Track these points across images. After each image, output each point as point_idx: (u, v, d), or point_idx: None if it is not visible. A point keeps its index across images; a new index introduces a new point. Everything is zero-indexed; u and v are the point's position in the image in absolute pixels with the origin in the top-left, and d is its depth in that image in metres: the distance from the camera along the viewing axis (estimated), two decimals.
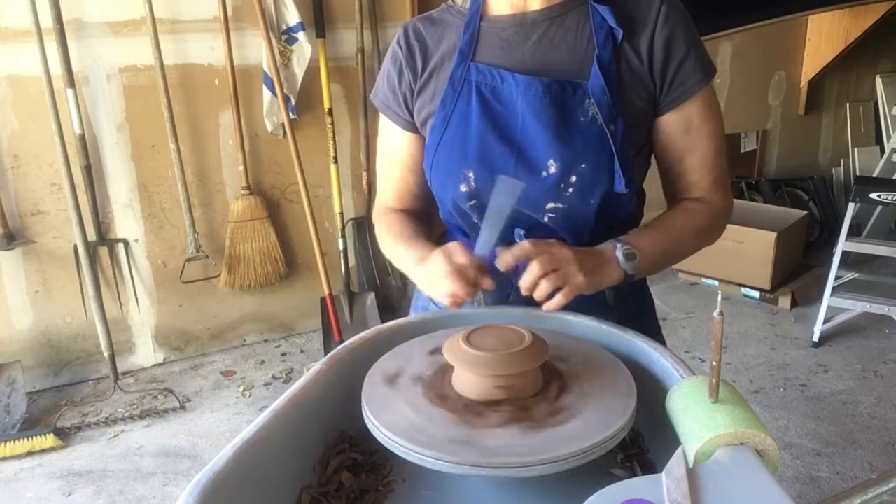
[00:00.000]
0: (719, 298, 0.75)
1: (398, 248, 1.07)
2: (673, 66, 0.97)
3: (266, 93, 2.84)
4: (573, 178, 0.96)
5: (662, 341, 1.10)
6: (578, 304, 0.94)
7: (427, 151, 1.04)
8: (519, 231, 1.01)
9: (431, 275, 0.93)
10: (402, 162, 1.11)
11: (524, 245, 0.89)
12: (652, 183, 1.10)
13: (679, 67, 0.98)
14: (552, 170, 0.96)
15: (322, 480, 0.82)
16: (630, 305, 1.09)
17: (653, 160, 1.10)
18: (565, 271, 0.88)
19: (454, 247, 0.92)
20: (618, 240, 0.95)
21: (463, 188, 1.00)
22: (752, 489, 0.60)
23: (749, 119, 4.23)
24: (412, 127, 1.08)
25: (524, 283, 0.88)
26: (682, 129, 1.01)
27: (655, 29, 0.97)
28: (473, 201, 1.01)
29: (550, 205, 0.98)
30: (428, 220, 1.17)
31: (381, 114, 1.12)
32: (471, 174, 0.99)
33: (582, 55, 0.97)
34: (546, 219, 1.00)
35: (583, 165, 0.96)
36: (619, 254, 0.93)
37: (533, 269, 0.87)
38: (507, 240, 1.03)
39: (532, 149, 0.96)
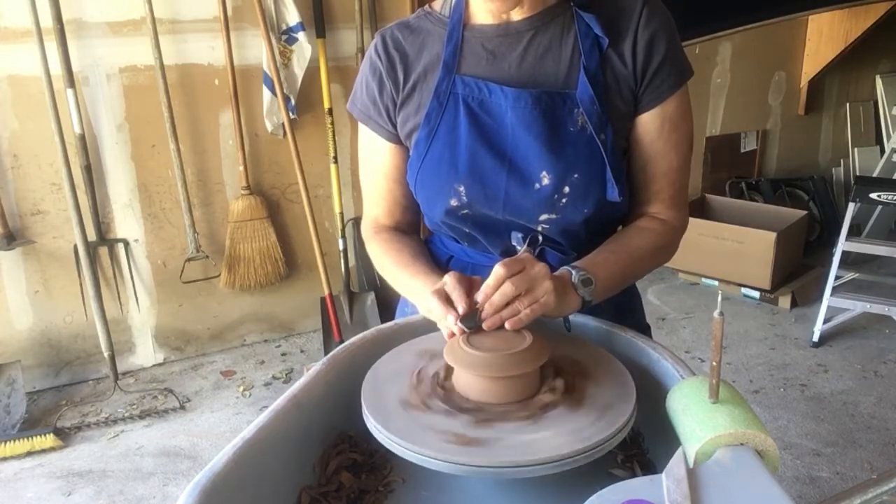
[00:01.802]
0: (719, 298, 0.75)
1: (399, 275, 1.04)
2: (653, 67, 0.96)
3: (266, 93, 2.84)
4: (566, 189, 0.95)
5: None
6: None
7: (411, 166, 1.02)
8: (517, 235, 1.01)
9: (434, 317, 0.89)
10: (388, 174, 1.08)
11: (497, 272, 0.83)
12: None
13: (658, 68, 0.97)
14: (545, 182, 0.95)
15: (322, 480, 0.82)
16: (615, 303, 1.09)
17: None
18: (537, 290, 0.83)
19: (453, 291, 0.86)
20: (573, 266, 0.91)
21: (453, 202, 0.98)
22: (753, 489, 0.60)
23: (749, 119, 4.23)
24: (395, 138, 1.05)
25: (494, 302, 0.82)
26: (654, 132, 1.00)
27: (637, 31, 0.96)
28: (466, 211, 0.99)
29: (544, 216, 0.98)
30: (419, 231, 1.16)
31: (361, 124, 1.08)
32: (461, 188, 0.97)
33: (568, 64, 0.96)
34: (540, 228, 0.99)
35: (575, 176, 0.95)
36: (574, 279, 0.89)
37: (506, 290, 0.81)
38: (505, 244, 1.04)
39: (523, 161, 0.95)
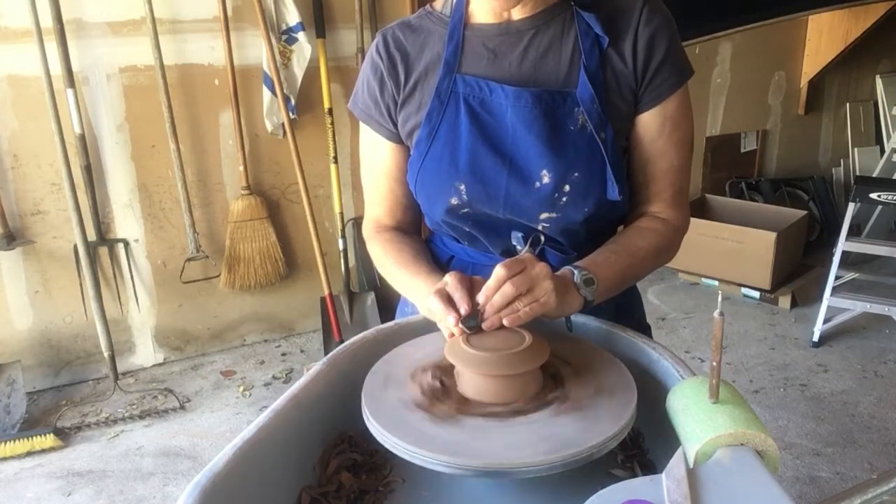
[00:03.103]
0: (719, 298, 0.75)
1: (400, 275, 1.04)
2: (653, 66, 0.97)
3: (266, 93, 2.84)
4: (567, 188, 0.95)
5: None
6: None
7: (412, 166, 1.02)
8: (517, 234, 1.01)
9: (435, 317, 0.88)
10: (389, 174, 1.08)
11: (498, 273, 0.83)
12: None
13: (659, 67, 0.97)
14: (545, 180, 0.95)
15: (322, 481, 0.82)
16: (615, 303, 1.08)
17: None
18: (537, 290, 0.83)
19: (454, 292, 0.85)
20: (575, 266, 0.91)
21: (454, 201, 0.99)
22: (753, 489, 0.60)
23: (749, 119, 4.23)
24: (396, 137, 1.05)
25: (495, 303, 0.82)
26: (655, 131, 1.00)
27: (638, 30, 0.96)
28: (466, 210, 1.00)
29: (545, 215, 0.98)
30: (420, 230, 1.16)
31: (362, 124, 1.09)
32: (462, 187, 0.98)
33: (568, 63, 0.97)
34: (540, 227, 0.99)
35: (576, 174, 0.95)
36: (577, 279, 0.89)
37: (506, 290, 0.82)
38: (506, 243, 1.04)
39: (524, 160, 0.96)
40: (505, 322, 0.82)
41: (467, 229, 1.03)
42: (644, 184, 1.04)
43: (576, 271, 0.90)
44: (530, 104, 0.95)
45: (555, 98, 0.95)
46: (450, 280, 0.87)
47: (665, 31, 0.97)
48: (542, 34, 0.97)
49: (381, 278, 3.23)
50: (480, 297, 0.83)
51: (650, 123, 1.00)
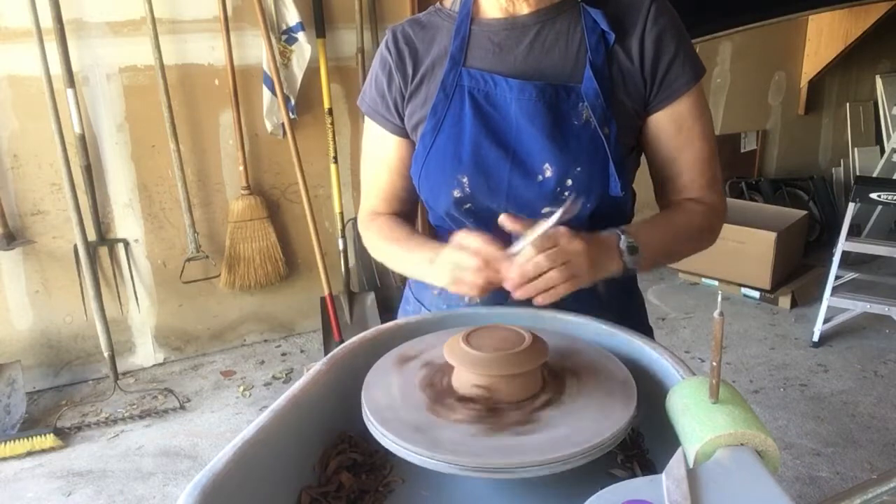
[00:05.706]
0: (719, 298, 0.75)
1: (396, 251, 1.05)
2: (663, 65, 0.97)
3: (266, 93, 2.84)
4: (569, 182, 0.96)
5: None
6: (569, 302, 0.93)
7: (416, 159, 1.03)
8: (517, 236, 1.01)
9: (455, 270, 0.90)
10: (391, 166, 1.10)
11: (530, 248, 0.85)
12: (641, 184, 1.08)
13: (669, 66, 0.97)
14: (548, 174, 0.95)
15: (322, 481, 0.82)
16: (618, 306, 1.08)
17: (643, 162, 1.08)
18: (574, 263, 0.85)
19: (475, 240, 0.89)
20: (621, 230, 0.92)
21: (457, 193, 0.99)
22: (753, 490, 0.60)
23: (749, 119, 4.23)
24: (402, 132, 1.07)
25: (526, 272, 0.84)
26: (674, 128, 1.00)
27: (645, 28, 0.96)
28: (468, 205, 1.00)
29: (547, 209, 0.97)
30: (413, 223, 1.17)
31: (367, 119, 1.10)
32: (465, 179, 0.98)
33: (574, 58, 0.97)
34: None
35: (578, 169, 0.95)
36: (622, 245, 0.91)
37: (540, 262, 0.84)
38: (506, 244, 1.03)
39: (527, 153, 0.96)
40: (539, 300, 0.83)
41: (469, 225, 1.03)
42: (674, 175, 1.03)
43: (622, 237, 0.91)
44: (534, 97, 0.95)
45: (559, 92, 0.95)
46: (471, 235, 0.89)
47: (673, 31, 0.97)
48: (548, 29, 0.98)
49: (381, 278, 3.25)
50: (512, 271, 0.84)
51: (668, 121, 1.00)
